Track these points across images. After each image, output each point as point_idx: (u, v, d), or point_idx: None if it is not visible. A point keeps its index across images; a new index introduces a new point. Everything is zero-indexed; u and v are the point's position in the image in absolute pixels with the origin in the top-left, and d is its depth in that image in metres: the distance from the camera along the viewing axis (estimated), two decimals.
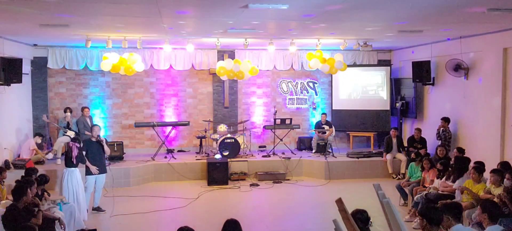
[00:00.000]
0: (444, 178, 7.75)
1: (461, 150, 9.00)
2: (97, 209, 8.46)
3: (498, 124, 9.13)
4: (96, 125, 8.89)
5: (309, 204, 9.17)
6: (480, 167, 7.23)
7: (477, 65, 9.85)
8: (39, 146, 11.02)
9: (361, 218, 4.08)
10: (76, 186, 7.70)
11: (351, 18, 7.54)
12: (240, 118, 13.08)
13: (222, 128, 11.95)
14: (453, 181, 7.52)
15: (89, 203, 8.31)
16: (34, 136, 11.30)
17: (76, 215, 7.11)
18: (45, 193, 7.15)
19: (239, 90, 13.18)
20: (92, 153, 8.19)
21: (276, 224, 7.92)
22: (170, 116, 12.93)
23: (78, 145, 7.85)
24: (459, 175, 7.48)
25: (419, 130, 11.08)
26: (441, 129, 10.36)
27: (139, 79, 12.70)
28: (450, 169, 7.81)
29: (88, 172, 8.20)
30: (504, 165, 7.37)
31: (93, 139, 8.28)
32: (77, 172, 7.81)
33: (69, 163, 7.77)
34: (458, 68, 10.08)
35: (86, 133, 10.94)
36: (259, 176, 11.06)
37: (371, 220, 4.17)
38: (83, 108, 11.47)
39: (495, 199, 6.24)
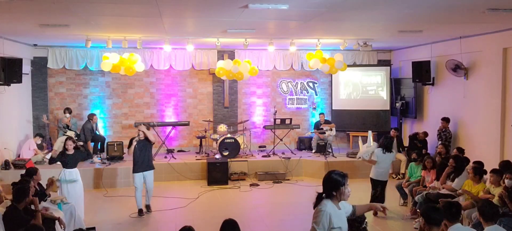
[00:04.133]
0: (442, 178, 7.75)
1: (460, 150, 9.00)
2: (147, 208, 8.39)
3: (498, 124, 9.13)
4: (140, 123, 8.72)
5: (309, 204, 9.12)
6: (479, 167, 7.22)
7: (477, 65, 9.85)
8: (39, 146, 11.04)
9: (356, 219, 4.08)
10: (68, 186, 7.63)
11: (351, 18, 7.53)
12: (240, 118, 13.08)
13: (222, 128, 11.95)
14: (452, 180, 7.52)
15: (140, 202, 8.27)
16: (34, 136, 11.32)
17: (76, 215, 7.10)
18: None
19: (239, 90, 13.18)
20: (139, 150, 8.11)
21: (276, 224, 7.92)
22: (170, 115, 12.93)
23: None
24: (458, 175, 7.48)
25: (425, 133, 11.01)
26: (442, 129, 10.35)
27: (139, 79, 12.71)
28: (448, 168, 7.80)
29: (134, 170, 8.17)
30: (505, 164, 7.30)
31: (138, 138, 8.15)
32: (74, 172, 7.77)
33: (64, 163, 7.76)
34: (458, 68, 10.08)
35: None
36: (259, 176, 11.06)
37: (366, 220, 4.17)
38: (92, 115, 11.55)
39: (496, 198, 6.25)
